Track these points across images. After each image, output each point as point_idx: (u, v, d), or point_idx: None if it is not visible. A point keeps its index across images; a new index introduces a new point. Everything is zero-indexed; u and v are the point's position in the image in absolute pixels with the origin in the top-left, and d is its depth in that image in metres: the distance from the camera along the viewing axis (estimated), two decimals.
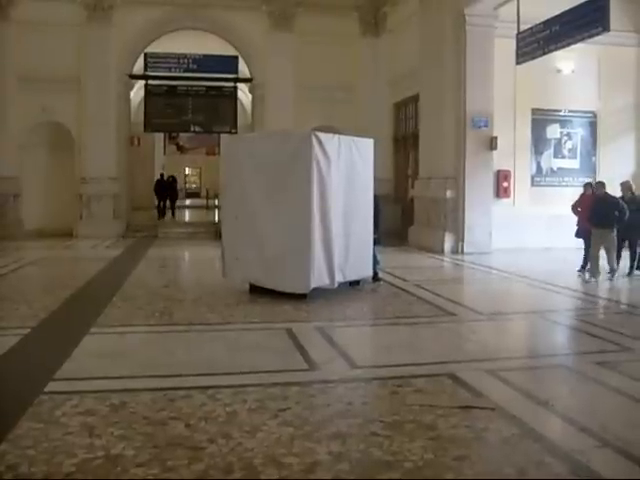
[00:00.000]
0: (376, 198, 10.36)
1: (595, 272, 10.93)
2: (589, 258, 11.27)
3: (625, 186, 11.65)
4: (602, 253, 11.12)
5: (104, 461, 3.79)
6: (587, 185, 12.05)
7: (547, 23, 12.83)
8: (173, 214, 28.29)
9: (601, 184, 11.44)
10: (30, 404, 4.74)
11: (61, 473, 3.64)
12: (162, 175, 29.22)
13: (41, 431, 4.23)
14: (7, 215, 18.59)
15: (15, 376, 5.70)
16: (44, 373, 5.55)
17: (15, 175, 18.68)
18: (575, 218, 11.85)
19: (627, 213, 10.78)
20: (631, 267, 11.49)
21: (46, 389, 5.09)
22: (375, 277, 10.62)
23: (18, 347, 6.55)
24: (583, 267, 11.54)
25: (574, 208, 11.87)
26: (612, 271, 11.04)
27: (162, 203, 27.63)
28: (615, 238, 11.05)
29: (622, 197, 11.32)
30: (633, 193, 11.57)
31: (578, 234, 11.78)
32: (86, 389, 5.11)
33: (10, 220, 18.59)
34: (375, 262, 10.56)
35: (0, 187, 18.35)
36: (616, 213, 10.78)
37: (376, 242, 10.52)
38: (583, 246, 11.68)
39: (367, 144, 10.26)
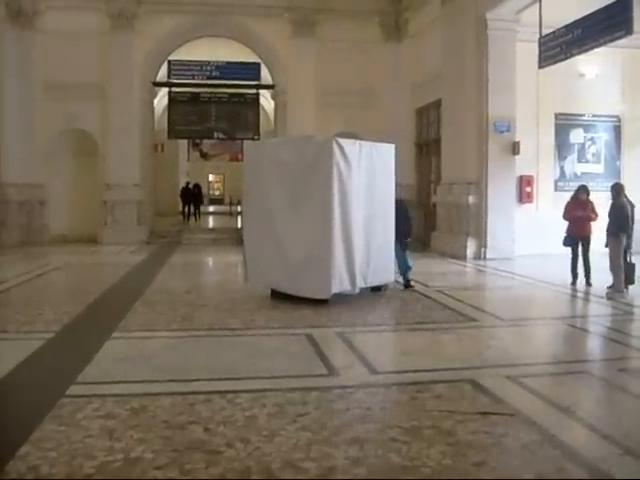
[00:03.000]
0: (403, 203, 10.45)
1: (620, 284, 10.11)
2: (588, 269, 10.71)
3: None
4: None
5: (123, 464, 3.83)
6: (582, 189, 11.18)
7: (569, 27, 12.73)
8: (197, 219, 29.41)
9: (620, 187, 10.54)
10: (52, 407, 4.79)
11: (81, 475, 3.68)
12: (187, 183, 31.03)
13: (62, 433, 4.28)
14: (33, 221, 18.89)
15: (38, 379, 5.76)
16: (66, 376, 5.61)
17: (41, 182, 18.95)
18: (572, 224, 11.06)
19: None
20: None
21: (68, 392, 5.16)
22: (407, 284, 10.57)
23: (42, 351, 6.63)
24: (575, 280, 10.91)
25: (569, 214, 11.03)
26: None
27: (187, 208, 29.27)
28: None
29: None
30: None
31: (566, 242, 11.05)
32: (107, 393, 5.16)
33: (36, 226, 18.88)
34: (407, 268, 10.59)
35: (26, 194, 18.65)
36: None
37: (406, 247, 10.56)
38: (570, 256, 11.00)
39: (388, 149, 10.25)
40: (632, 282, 10.21)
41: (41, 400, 5.07)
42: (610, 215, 10.22)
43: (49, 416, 4.61)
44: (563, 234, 11.10)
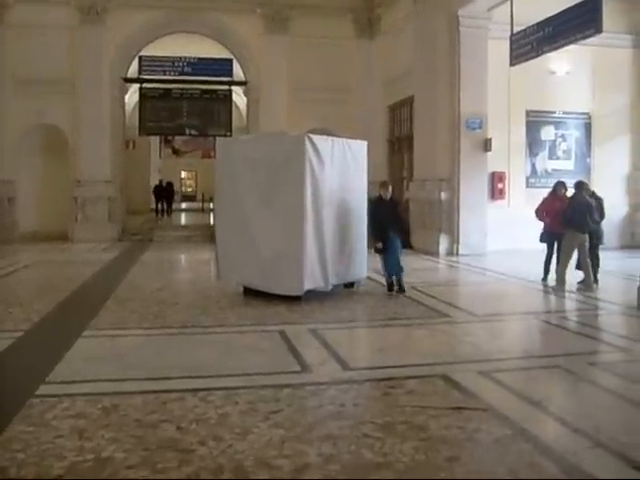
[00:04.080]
0: (393, 202, 10.19)
1: (562, 281, 10.25)
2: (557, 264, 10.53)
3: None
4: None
5: (94, 464, 3.78)
6: (560, 184, 11.11)
7: (541, 25, 12.84)
8: (169, 215, 30.78)
9: (580, 185, 10.55)
10: (21, 407, 4.72)
11: (50, 475, 3.63)
12: (160, 181, 32.85)
13: (31, 434, 4.21)
14: (2, 218, 18.55)
15: (7, 379, 5.69)
16: (36, 376, 5.53)
17: (10, 178, 18.65)
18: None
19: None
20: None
21: (38, 392, 5.08)
22: (400, 288, 9.84)
23: (11, 350, 6.54)
24: (546, 276, 10.93)
25: (540, 212, 11.01)
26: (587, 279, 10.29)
27: (160, 205, 30.89)
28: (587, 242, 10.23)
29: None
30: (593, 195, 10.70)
31: (543, 238, 11.03)
32: (78, 392, 5.10)
33: (5, 223, 18.55)
34: (399, 270, 9.85)
35: None
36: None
37: (404, 246, 10.43)
38: (546, 251, 10.97)
39: (361, 146, 10.26)
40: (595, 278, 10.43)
41: (10, 400, 5.01)
42: (566, 210, 10.27)
43: (18, 416, 4.54)
44: (535, 230, 11.18)
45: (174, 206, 33.11)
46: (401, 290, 9.84)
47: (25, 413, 4.62)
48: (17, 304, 8.96)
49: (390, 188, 10.35)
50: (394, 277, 9.91)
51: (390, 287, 9.97)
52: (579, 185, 10.54)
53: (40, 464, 3.77)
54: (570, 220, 10.18)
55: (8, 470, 3.69)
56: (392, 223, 9.77)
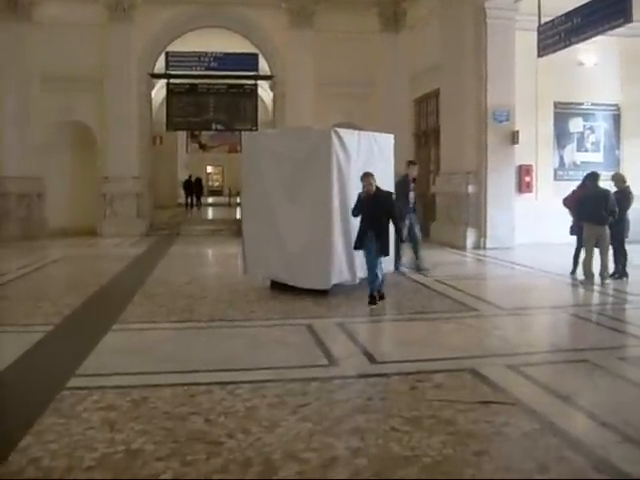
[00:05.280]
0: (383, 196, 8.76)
1: (590, 274, 10.09)
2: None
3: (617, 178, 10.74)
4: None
5: (124, 455, 3.84)
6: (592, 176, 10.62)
7: (569, 15, 12.69)
8: (199, 208, 32.30)
9: (594, 176, 10.39)
10: (53, 399, 4.80)
11: (82, 467, 3.68)
12: (190, 176, 34.51)
13: (63, 426, 4.28)
14: (32, 214, 18.82)
15: (38, 372, 5.76)
16: (67, 369, 5.61)
17: (39, 175, 18.88)
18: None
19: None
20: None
21: (68, 385, 5.16)
22: (370, 297, 8.48)
23: (42, 343, 6.63)
24: (575, 269, 10.76)
25: (568, 201, 10.87)
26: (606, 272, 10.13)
27: (189, 199, 32.53)
28: (608, 235, 10.04)
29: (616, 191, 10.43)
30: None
31: (573, 231, 10.85)
32: (107, 385, 5.16)
33: (34, 219, 18.83)
34: (373, 277, 8.53)
35: (24, 187, 18.58)
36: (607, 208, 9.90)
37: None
38: (575, 245, 10.80)
39: (387, 140, 10.24)
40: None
41: (42, 393, 5.07)
42: (585, 203, 10.16)
43: (50, 409, 4.62)
44: (563, 224, 11.06)
45: (201, 200, 34.68)
46: (371, 300, 8.41)
47: (56, 405, 4.69)
48: (47, 299, 9.08)
49: (415, 168, 10.94)
50: (374, 284, 8.53)
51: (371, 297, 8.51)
52: (591, 177, 10.43)
53: (72, 455, 3.83)
54: (582, 212, 10.12)
55: (41, 460, 3.75)
56: (372, 223, 8.40)
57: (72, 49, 18.44)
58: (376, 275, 8.47)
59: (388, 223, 8.47)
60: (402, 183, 11.43)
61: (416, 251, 11.53)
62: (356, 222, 8.83)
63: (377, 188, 8.43)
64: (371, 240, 8.36)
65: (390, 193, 8.78)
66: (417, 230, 11.58)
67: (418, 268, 11.35)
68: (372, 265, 8.47)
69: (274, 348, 6.41)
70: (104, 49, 18.88)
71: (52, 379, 5.43)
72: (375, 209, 8.36)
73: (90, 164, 19.17)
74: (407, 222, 11.25)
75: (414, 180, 11.70)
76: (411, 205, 11.45)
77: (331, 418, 4.44)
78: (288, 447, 3.96)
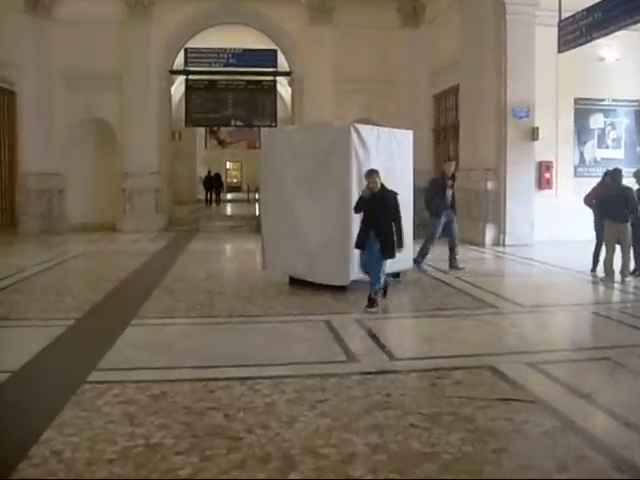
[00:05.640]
0: (383, 194, 8.13)
1: (610, 272, 10.02)
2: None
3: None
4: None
5: (144, 449, 3.86)
6: (609, 173, 10.67)
7: (590, 10, 12.58)
8: (218, 204, 32.49)
9: (615, 173, 10.30)
10: (73, 393, 4.84)
11: (103, 460, 3.71)
12: (209, 172, 34.44)
13: (84, 419, 4.32)
14: (52, 210, 19.05)
15: (59, 366, 5.82)
16: (87, 363, 5.67)
17: (60, 171, 19.08)
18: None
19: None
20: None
21: (89, 378, 5.21)
22: (369, 300, 7.98)
23: (63, 338, 6.69)
24: (595, 267, 10.67)
25: (589, 199, 10.86)
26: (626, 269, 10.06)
27: (209, 194, 32.80)
28: (629, 233, 9.93)
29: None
30: None
31: (595, 227, 10.81)
32: (127, 379, 5.20)
33: (55, 215, 19.06)
34: (375, 281, 8.08)
35: (46, 183, 18.80)
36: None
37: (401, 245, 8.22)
38: (595, 241, 10.75)
39: (406, 136, 10.19)
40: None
41: (63, 386, 5.13)
42: (606, 200, 10.11)
43: (71, 402, 4.66)
44: (583, 220, 11.00)
45: (221, 196, 34.81)
46: (370, 303, 7.94)
47: (77, 399, 4.74)
48: (67, 293, 9.16)
49: (452, 164, 11.17)
50: (374, 287, 8.05)
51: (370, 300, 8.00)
52: (612, 173, 10.35)
53: (93, 448, 3.87)
54: (604, 210, 10.04)
55: (63, 453, 3.79)
56: (374, 222, 8.03)
57: (92, 46, 18.58)
58: (378, 278, 8.01)
59: (392, 223, 7.98)
60: (438, 180, 11.54)
61: (452, 248, 11.35)
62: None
63: (382, 186, 8.05)
64: (375, 241, 7.95)
65: (395, 193, 8.19)
66: (455, 228, 11.44)
67: (452, 266, 11.23)
68: (376, 267, 8.02)
69: (293, 344, 6.42)
70: (124, 46, 18.99)
71: (73, 373, 5.48)
72: (378, 208, 7.96)
73: (110, 160, 19.30)
74: (443, 219, 11.21)
75: (452, 177, 11.64)
76: (448, 202, 11.31)
77: (350, 414, 4.44)
78: (307, 442, 3.96)
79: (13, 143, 18.41)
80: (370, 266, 8.11)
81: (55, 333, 6.74)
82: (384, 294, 8.51)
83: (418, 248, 11.04)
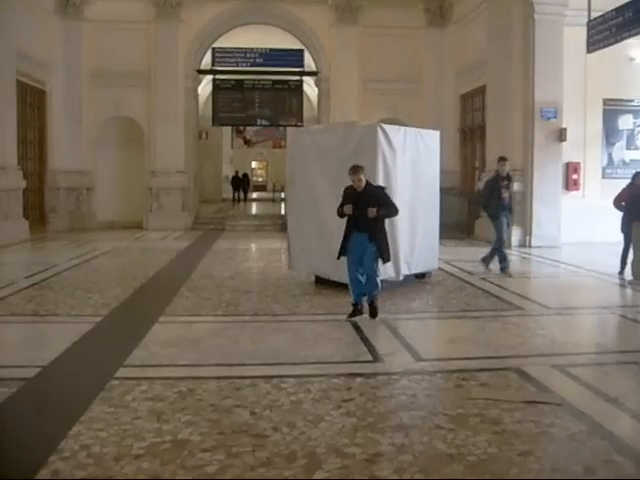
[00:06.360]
0: (382, 189, 7.81)
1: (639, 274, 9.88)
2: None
3: None
4: None
5: (171, 445, 3.90)
6: (638, 175, 10.46)
7: (619, 10, 12.46)
8: (245, 202, 33.20)
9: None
10: (101, 389, 4.91)
11: (131, 455, 3.76)
12: (237, 172, 35.38)
13: (112, 415, 4.38)
14: (81, 208, 19.34)
15: (88, 362, 5.90)
16: (115, 359, 5.73)
17: (89, 169, 19.34)
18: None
19: None
20: None
21: (117, 375, 5.27)
22: (371, 309, 7.54)
23: (91, 334, 6.77)
24: (622, 269, 10.47)
25: (617, 201, 10.55)
26: None
27: (236, 194, 33.41)
28: None
29: None
30: None
31: (623, 229, 10.58)
32: (155, 376, 5.26)
33: (84, 213, 19.33)
34: (372, 287, 7.54)
35: (74, 181, 19.08)
36: None
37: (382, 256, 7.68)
38: (623, 243, 10.54)
39: (433, 136, 10.17)
40: None
41: (91, 382, 5.19)
42: (635, 202, 10.00)
43: (99, 398, 4.72)
44: (611, 222, 10.83)
45: (247, 196, 35.50)
46: (372, 313, 7.47)
47: (105, 395, 4.79)
48: (96, 290, 9.25)
49: (506, 164, 10.85)
50: (373, 292, 7.51)
51: (355, 309, 7.47)
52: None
53: (121, 444, 3.92)
54: (632, 211, 9.95)
55: (92, 447, 3.85)
56: (362, 223, 7.37)
57: (121, 46, 18.84)
58: (376, 282, 7.50)
59: (383, 223, 7.54)
60: (492, 181, 10.97)
61: (501, 251, 10.96)
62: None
63: (367, 182, 7.41)
64: (369, 244, 7.34)
65: (382, 187, 7.75)
66: (509, 231, 11.14)
67: (502, 269, 10.87)
68: (371, 271, 7.44)
69: (318, 343, 6.44)
70: (152, 46, 19.19)
71: (101, 369, 5.55)
72: (365, 206, 7.23)
73: (138, 159, 19.51)
74: (505, 220, 10.80)
75: (508, 177, 11.02)
76: (505, 203, 10.78)
77: (375, 414, 4.45)
78: (332, 441, 3.98)
79: (43, 141, 18.71)
80: (366, 272, 7.45)
81: (84, 329, 6.83)
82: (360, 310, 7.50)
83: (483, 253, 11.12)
